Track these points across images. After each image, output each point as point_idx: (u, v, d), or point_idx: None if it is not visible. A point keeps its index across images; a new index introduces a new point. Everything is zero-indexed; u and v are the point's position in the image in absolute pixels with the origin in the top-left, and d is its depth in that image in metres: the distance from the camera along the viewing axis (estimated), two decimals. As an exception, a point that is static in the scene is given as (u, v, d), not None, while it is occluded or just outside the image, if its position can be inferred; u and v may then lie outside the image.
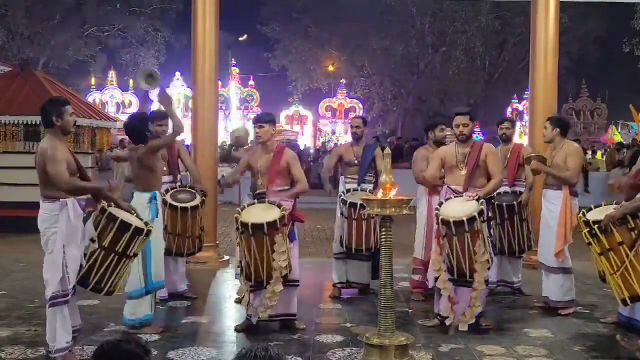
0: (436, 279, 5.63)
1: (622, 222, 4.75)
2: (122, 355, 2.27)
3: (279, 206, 5.41)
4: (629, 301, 4.80)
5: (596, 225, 4.95)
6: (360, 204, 6.33)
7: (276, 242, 5.27)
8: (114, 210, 4.81)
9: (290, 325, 5.58)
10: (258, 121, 5.78)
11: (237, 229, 5.34)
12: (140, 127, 5.56)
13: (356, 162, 6.95)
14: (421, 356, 4.90)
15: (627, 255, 4.67)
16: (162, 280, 5.58)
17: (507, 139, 7.17)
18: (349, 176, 6.99)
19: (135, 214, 5.02)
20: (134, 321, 5.43)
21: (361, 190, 6.68)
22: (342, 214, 6.66)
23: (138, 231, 4.81)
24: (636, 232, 4.69)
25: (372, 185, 6.86)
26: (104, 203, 4.81)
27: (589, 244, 5.04)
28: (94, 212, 4.80)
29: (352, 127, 7.15)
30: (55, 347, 4.61)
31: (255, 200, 5.62)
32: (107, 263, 4.72)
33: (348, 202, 6.52)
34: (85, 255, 4.68)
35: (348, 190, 6.76)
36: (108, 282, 4.76)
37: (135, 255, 4.92)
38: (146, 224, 4.99)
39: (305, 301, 6.19)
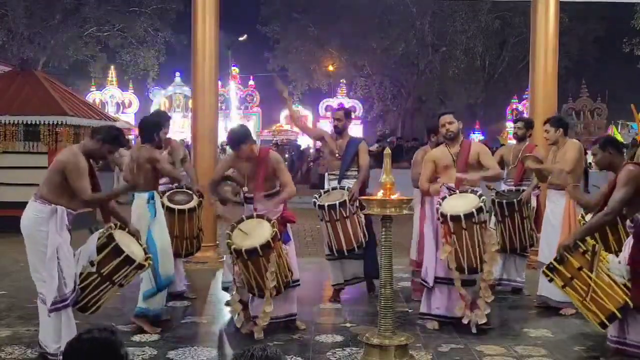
0: (436, 278, 5.65)
1: (575, 248, 4.75)
2: (87, 346, 2.23)
3: (269, 220, 5.37)
4: (607, 322, 4.70)
5: (553, 259, 4.93)
6: (329, 205, 6.27)
7: (270, 262, 5.24)
8: (120, 238, 4.84)
9: (291, 326, 5.58)
10: (237, 143, 5.56)
11: (231, 253, 5.32)
12: (151, 128, 5.69)
13: (337, 155, 6.81)
14: (421, 356, 4.90)
15: (590, 278, 4.66)
16: (170, 276, 5.67)
17: (519, 139, 7.18)
18: (331, 172, 6.87)
19: (137, 238, 5.08)
20: (146, 310, 5.49)
21: (340, 188, 6.54)
22: (321, 219, 6.53)
23: (139, 267, 4.89)
24: (589, 253, 4.71)
25: (354, 180, 6.68)
26: (112, 227, 4.86)
27: (551, 280, 4.92)
28: (100, 231, 4.82)
29: (333, 119, 7.01)
30: (60, 349, 4.59)
31: (244, 217, 5.50)
32: (101, 289, 4.78)
33: (325, 206, 6.35)
34: (81, 274, 4.71)
35: (325, 192, 6.62)
36: (96, 304, 4.82)
37: (128, 284, 5.01)
38: (145, 252, 5.05)
39: (305, 301, 6.19)
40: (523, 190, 6.89)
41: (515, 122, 7.44)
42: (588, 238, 4.79)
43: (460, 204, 5.50)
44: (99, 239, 4.79)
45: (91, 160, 4.83)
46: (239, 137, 5.59)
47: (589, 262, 4.69)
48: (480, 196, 5.52)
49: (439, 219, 5.52)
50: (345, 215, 6.33)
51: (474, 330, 5.47)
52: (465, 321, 5.51)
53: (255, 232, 5.30)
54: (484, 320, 5.51)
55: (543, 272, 5.03)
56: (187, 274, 7.12)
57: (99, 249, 4.74)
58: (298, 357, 4.85)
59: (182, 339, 5.31)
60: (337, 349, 5.06)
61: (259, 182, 5.60)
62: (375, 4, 26.05)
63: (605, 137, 5.32)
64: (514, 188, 7.01)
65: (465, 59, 27.50)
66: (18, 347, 5.00)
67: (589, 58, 28.33)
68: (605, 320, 4.67)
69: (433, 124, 6.64)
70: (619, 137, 24.07)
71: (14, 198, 10.41)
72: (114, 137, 4.86)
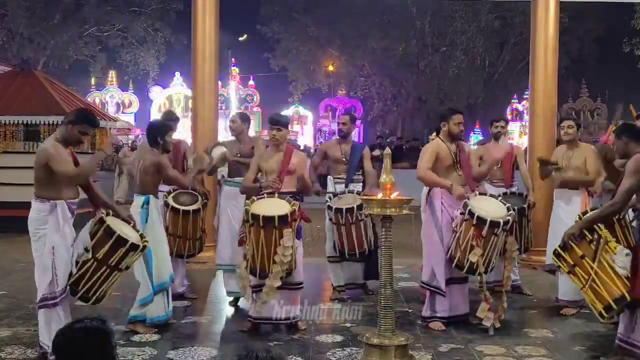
0: (433, 273, 5.64)
1: (580, 237, 4.75)
2: (80, 335, 2.22)
3: (289, 201, 5.47)
4: (604, 312, 4.69)
5: (557, 245, 4.94)
6: (347, 209, 6.34)
7: (284, 237, 5.28)
8: (111, 221, 4.79)
9: (291, 326, 5.58)
10: (277, 124, 5.83)
11: (247, 220, 5.34)
12: (155, 133, 5.68)
13: (344, 159, 6.86)
14: (421, 356, 4.90)
15: (592, 267, 4.65)
16: (165, 282, 5.58)
17: (499, 137, 7.18)
18: (336, 176, 6.88)
19: (132, 224, 5.03)
20: (135, 317, 5.46)
21: (349, 192, 6.60)
22: (330, 219, 6.59)
23: (134, 247, 4.80)
24: (594, 243, 4.69)
25: (360, 184, 6.80)
26: (103, 213, 4.82)
27: (558, 266, 5.03)
28: (92, 220, 4.79)
29: (338, 123, 7.12)
30: (50, 348, 4.61)
31: (265, 194, 5.63)
32: (99, 275, 4.70)
33: (334, 209, 6.44)
34: (77, 263, 4.68)
35: (335, 195, 6.66)
36: (97, 292, 4.73)
37: (127, 268, 4.91)
38: (142, 236, 4.97)
39: (305, 301, 6.18)
40: (519, 194, 6.94)
41: (497, 120, 7.19)
42: (598, 227, 4.73)
43: (489, 207, 5.47)
44: (91, 226, 4.75)
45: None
46: (287, 120, 6.18)
47: (593, 252, 4.68)
48: (504, 203, 5.55)
49: (465, 219, 5.37)
50: (355, 221, 6.35)
51: (491, 333, 5.44)
52: (487, 323, 5.42)
53: (275, 207, 5.40)
54: (498, 325, 5.51)
55: (552, 257, 5.06)
56: (187, 274, 7.11)
57: (92, 236, 4.71)
58: (298, 357, 4.85)
59: (182, 339, 5.31)
60: (337, 349, 5.06)
61: (282, 174, 5.75)
62: (375, 4, 26.04)
63: (622, 124, 5.24)
64: (508, 191, 7.00)
65: (465, 59, 27.48)
66: (18, 347, 5.01)
67: (589, 58, 28.30)
68: (602, 311, 4.67)
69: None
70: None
71: (14, 198, 10.43)
72: (82, 116, 4.82)
